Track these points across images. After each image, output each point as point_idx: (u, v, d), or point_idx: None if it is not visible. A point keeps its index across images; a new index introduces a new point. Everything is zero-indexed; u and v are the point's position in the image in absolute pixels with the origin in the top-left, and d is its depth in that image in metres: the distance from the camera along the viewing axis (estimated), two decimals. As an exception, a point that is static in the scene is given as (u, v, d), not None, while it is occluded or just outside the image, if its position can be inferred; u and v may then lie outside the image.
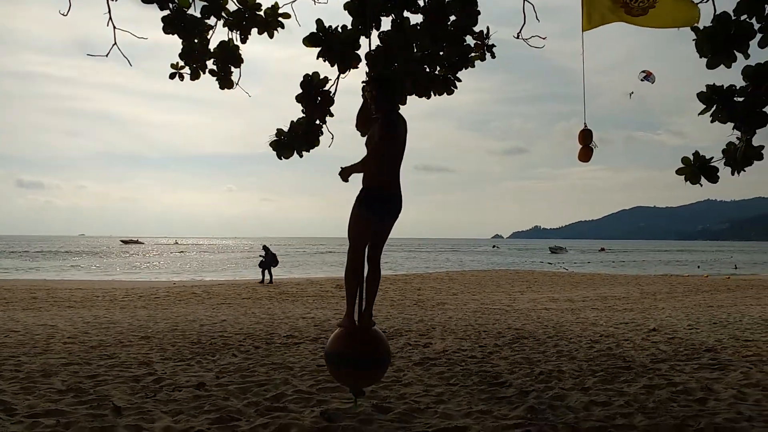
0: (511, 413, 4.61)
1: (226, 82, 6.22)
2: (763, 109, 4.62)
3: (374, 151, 4.18)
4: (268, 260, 23.83)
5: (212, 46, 6.10)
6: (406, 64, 6.21)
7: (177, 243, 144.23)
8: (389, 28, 6.09)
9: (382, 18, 6.01)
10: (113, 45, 5.66)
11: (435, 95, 6.64)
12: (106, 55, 5.68)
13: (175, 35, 6.01)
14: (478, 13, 6.33)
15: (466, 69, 6.65)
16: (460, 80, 6.63)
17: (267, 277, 23.65)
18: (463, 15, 6.18)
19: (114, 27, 5.60)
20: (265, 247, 24.71)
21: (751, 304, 15.82)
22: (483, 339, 8.56)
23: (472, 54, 6.62)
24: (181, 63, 6.10)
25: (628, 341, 8.36)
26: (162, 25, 5.92)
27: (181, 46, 5.97)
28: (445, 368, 6.37)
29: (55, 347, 7.44)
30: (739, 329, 9.64)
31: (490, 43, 6.69)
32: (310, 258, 69.46)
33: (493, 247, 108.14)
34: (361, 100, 4.75)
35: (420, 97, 6.59)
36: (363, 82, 4.92)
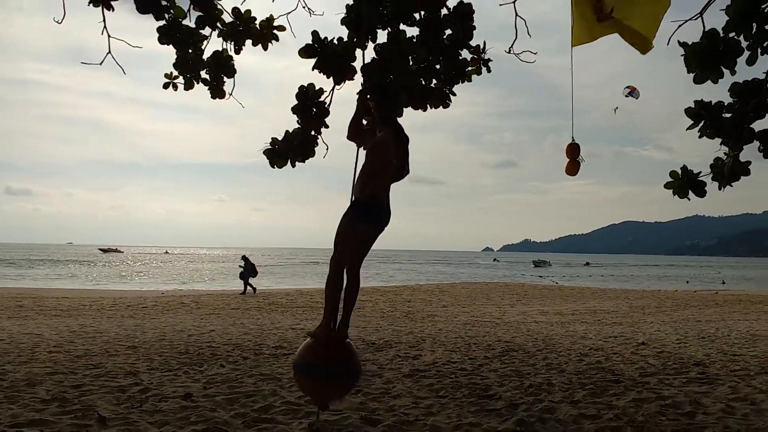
0: (501, 426, 4.59)
1: (218, 92, 6.22)
2: (751, 126, 4.68)
3: (382, 163, 4.08)
4: (248, 271, 23.66)
5: (206, 55, 6.10)
6: (402, 76, 6.23)
7: (167, 252, 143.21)
8: (385, 40, 6.13)
9: (378, 30, 6.04)
10: (107, 54, 5.65)
11: (431, 108, 6.67)
12: (100, 64, 5.66)
13: (170, 45, 6.01)
14: (474, 27, 6.38)
15: (462, 83, 6.69)
16: (455, 94, 6.66)
17: (249, 288, 23.49)
18: (459, 29, 6.23)
19: (108, 36, 5.60)
20: (244, 258, 24.49)
21: (739, 319, 15.92)
22: (473, 351, 8.54)
23: (469, 68, 6.66)
24: (175, 72, 6.10)
25: (617, 355, 8.38)
26: (157, 35, 5.92)
27: (176, 56, 5.97)
28: (434, 380, 6.35)
29: (40, 356, 7.35)
30: (727, 344, 9.69)
31: (486, 57, 6.74)
32: (300, 268, 69.22)
33: (494, 260, 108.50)
34: (354, 110, 4.74)
35: (416, 109, 6.61)
36: (358, 93, 4.91)
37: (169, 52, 6.15)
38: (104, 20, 5.44)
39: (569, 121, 6.66)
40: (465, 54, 6.59)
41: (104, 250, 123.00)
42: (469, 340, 9.83)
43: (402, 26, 6.14)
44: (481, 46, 6.64)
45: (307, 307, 18.15)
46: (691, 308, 20.65)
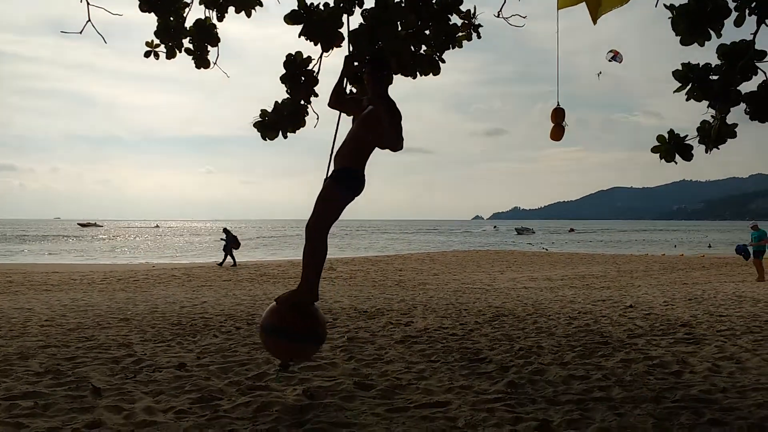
0: (492, 388, 4.68)
1: (202, 62, 6.10)
2: (738, 88, 4.67)
3: (377, 135, 4.12)
4: (229, 243, 23.53)
5: (188, 24, 5.97)
6: (391, 42, 6.14)
7: (158, 226, 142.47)
8: (373, 5, 6.01)
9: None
10: (87, 22, 5.51)
11: (421, 75, 6.59)
12: (80, 32, 5.52)
13: (151, 13, 5.87)
14: (464, -10, 6.27)
15: (452, 49, 6.60)
16: (444, 61, 6.59)
17: (229, 259, 23.32)
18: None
19: (88, 3, 5.45)
20: (225, 230, 24.33)
21: (725, 281, 16.21)
22: (464, 317, 8.65)
23: (459, 34, 6.58)
24: (156, 41, 5.96)
25: (605, 317, 8.51)
26: (138, 2, 5.77)
27: (157, 24, 5.83)
28: (426, 346, 6.43)
29: (31, 330, 7.35)
30: (714, 305, 9.87)
31: (476, 22, 6.65)
32: (291, 240, 69.25)
33: (494, 227, 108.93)
34: (338, 77, 4.68)
35: (406, 76, 6.53)
36: (346, 57, 4.80)
37: (152, 23, 6.01)
38: (82, -14, 5.29)
39: (558, 88, 6.64)
40: (455, 19, 6.50)
41: (83, 225, 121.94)
42: (460, 307, 9.94)
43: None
44: (472, 11, 6.54)
45: (299, 278, 18.23)
46: (678, 271, 20.98)
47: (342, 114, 4.73)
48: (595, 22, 5.87)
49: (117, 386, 4.64)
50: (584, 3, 5.89)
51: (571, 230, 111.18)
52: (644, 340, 6.67)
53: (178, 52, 6.01)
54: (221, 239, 24.41)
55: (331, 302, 10.62)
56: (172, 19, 5.85)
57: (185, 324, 7.92)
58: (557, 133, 6.31)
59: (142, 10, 5.68)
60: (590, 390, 4.61)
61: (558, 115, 6.22)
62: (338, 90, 4.50)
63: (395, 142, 4.09)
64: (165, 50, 6.00)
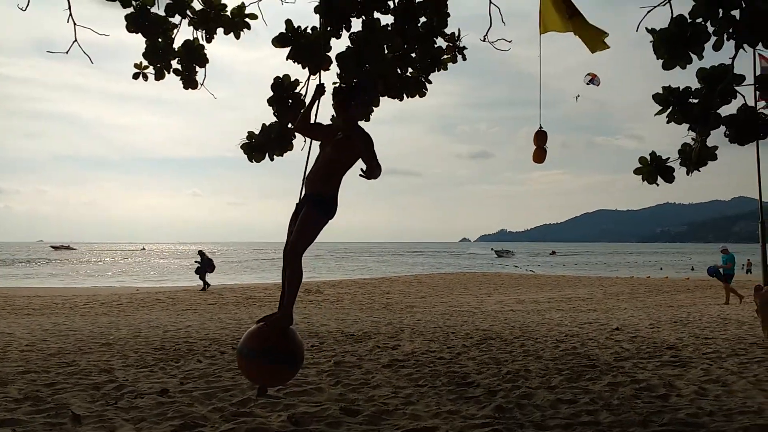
0: (480, 413, 4.63)
1: (190, 82, 6.12)
2: (717, 111, 4.76)
3: (351, 162, 4.24)
4: (204, 266, 23.05)
5: (177, 45, 5.99)
6: (378, 65, 6.20)
7: (144, 249, 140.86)
8: (360, 29, 6.08)
9: (352, 19, 5.99)
10: (74, 42, 5.50)
11: (407, 97, 6.65)
12: (66, 52, 5.51)
13: (139, 34, 5.89)
14: (448, 15, 6.38)
15: (438, 71, 6.69)
16: (431, 82, 6.66)
17: (206, 282, 22.68)
18: (434, 16, 6.22)
19: (74, 24, 5.45)
20: (200, 252, 23.71)
21: (710, 303, 16.32)
22: (451, 340, 8.59)
23: (444, 56, 6.66)
24: (145, 63, 5.97)
25: (592, 340, 8.50)
26: (125, 23, 5.79)
27: (145, 46, 5.84)
28: (413, 369, 6.37)
29: (11, 355, 7.18)
30: (699, 327, 9.90)
31: (461, 45, 6.75)
32: (278, 263, 68.86)
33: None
34: (308, 103, 4.71)
35: (393, 98, 6.59)
36: (318, 84, 4.82)
37: (140, 44, 6.03)
38: (69, 7, 5.29)
39: (543, 112, 6.74)
40: (440, 42, 6.59)
41: (55, 247, 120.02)
42: (448, 330, 9.89)
43: (376, 14, 6.11)
44: (456, 34, 6.64)
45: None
46: (664, 294, 21.09)
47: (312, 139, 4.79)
48: (593, 51, 6.00)
49: (97, 413, 4.53)
50: (568, 29, 6.05)
51: (553, 253, 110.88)
52: (631, 363, 6.66)
53: (166, 73, 6.02)
54: (195, 262, 23.73)
55: (317, 326, 10.52)
56: (160, 40, 5.87)
57: (168, 349, 7.79)
58: (539, 155, 6.38)
59: (130, 31, 5.70)
60: (578, 414, 4.58)
61: (540, 138, 6.30)
62: (306, 115, 4.55)
63: (373, 172, 4.12)
64: (154, 72, 6.01)
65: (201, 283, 22.67)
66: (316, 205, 4.21)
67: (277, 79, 5.74)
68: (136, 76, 6.05)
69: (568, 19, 6.15)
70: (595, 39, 6.12)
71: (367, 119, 6.55)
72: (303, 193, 4.33)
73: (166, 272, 48.55)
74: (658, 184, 5.21)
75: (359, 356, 7.23)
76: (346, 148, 4.22)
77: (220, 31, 5.93)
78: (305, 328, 10.17)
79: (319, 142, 4.50)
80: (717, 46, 4.53)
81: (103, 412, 4.58)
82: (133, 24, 5.67)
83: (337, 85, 4.75)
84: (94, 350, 7.64)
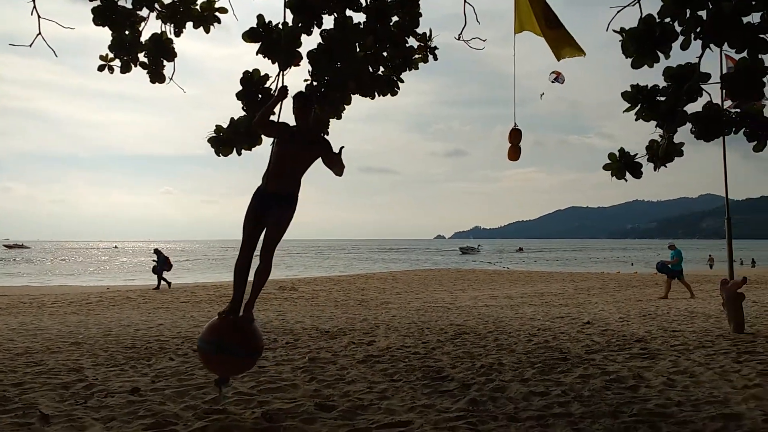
0: (454, 406, 4.66)
1: (157, 76, 6.02)
2: (684, 108, 4.87)
3: (307, 161, 4.53)
4: (161, 264, 22.40)
5: (145, 38, 5.89)
6: (350, 63, 6.20)
7: (116, 247, 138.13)
8: (331, 26, 6.06)
9: (323, 16, 5.96)
10: (37, 35, 5.37)
11: (379, 96, 6.66)
12: (30, 45, 5.38)
13: (106, 27, 5.77)
14: (420, 14, 6.40)
15: (409, 70, 6.71)
16: (402, 81, 6.67)
17: (163, 283, 22.12)
18: (405, 16, 6.23)
19: (39, 16, 5.32)
20: (157, 251, 23.20)
21: (678, 297, 16.68)
22: (426, 336, 8.64)
23: (416, 56, 6.69)
24: (111, 55, 5.86)
25: (564, 334, 8.63)
26: (92, 16, 5.67)
27: (111, 38, 5.73)
28: (388, 365, 6.39)
29: (-25, 356, 6.99)
30: (667, 321, 10.13)
31: (432, 45, 6.78)
32: (254, 261, 68.28)
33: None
34: (271, 101, 4.77)
35: (364, 96, 6.58)
36: (282, 86, 4.88)
37: (107, 39, 5.92)
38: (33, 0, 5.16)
39: (516, 109, 6.81)
40: (412, 41, 6.61)
41: (9, 246, 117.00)
42: (422, 325, 9.93)
43: (348, 12, 6.10)
44: (428, 34, 6.67)
45: (260, 299, 17.87)
46: (633, 288, 21.49)
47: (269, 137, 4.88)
48: (558, 59, 6.13)
49: (66, 413, 4.45)
50: (535, 31, 6.15)
51: (520, 249, 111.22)
52: (601, 356, 6.78)
53: (133, 66, 5.91)
54: (153, 261, 23.12)
55: (292, 323, 10.47)
56: (127, 33, 5.76)
57: (140, 347, 7.67)
58: (514, 153, 6.45)
59: (96, 24, 5.58)
60: (550, 406, 4.65)
61: (515, 136, 6.37)
62: (267, 113, 4.59)
63: (340, 172, 4.52)
64: (120, 65, 5.90)
65: (161, 281, 22.01)
66: (292, 204, 4.46)
67: (246, 73, 5.69)
68: (101, 68, 5.93)
69: (544, 27, 6.25)
70: (566, 51, 6.25)
71: (338, 117, 6.55)
72: (267, 189, 4.44)
73: (137, 271, 47.79)
74: (626, 180, 5.32)
75: (334, 352, 7.22)
76: (311, 151, 4.50)
77: (189, 25, 5.84)
78: (280, 325, 10.12)
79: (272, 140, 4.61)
80: (684, 46, 4.64)
81: (72, 411, 4.49)
82: (99, 17, 5.56)
83: (300, 90, 4.81)
84: (62, 349, 7.49)
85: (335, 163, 4.47)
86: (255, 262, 4.66)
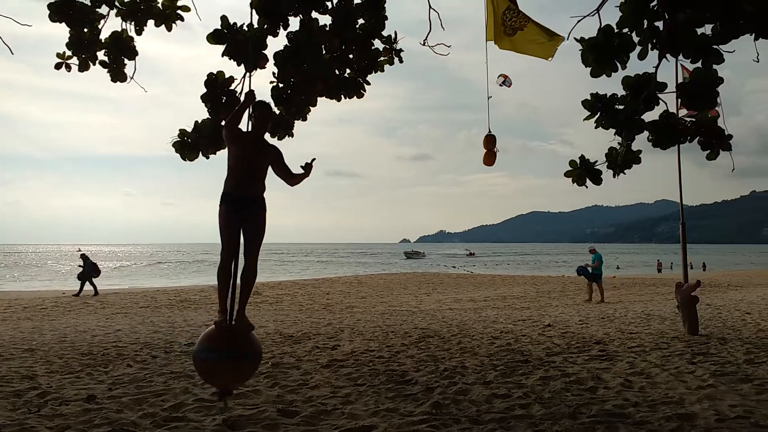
0: (417, 410, 4.68)
1: (118, 75, 5.87)
2: (641, 117, 5.01)
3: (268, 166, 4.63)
4: (88, 270, 21.31)
5: (105, 36, 5.75)
6: (316, 65, 6.17)
7: (80, 250, 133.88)
8: (297, 28, 6.02)
9: (290, 18, 5.93)
10: (-9, 31, 5.18)
11: (345, 98, 6.65)
12: (-18, 41, 5.18)
13: (63, 25, 5.61)
14: (386, 17, 6.42)
15: (375, 73, 6.72)
16: (369, 83, 6.68)
17: (90, 287, 21.26)
18: (371, 19, 6.24)
19: (-8, 12, 5.12)
20: (83, 256, 22.27)
21: (635, 300, 17.13)
22: (390, 339, 8.64)
23: (381, 58, 6.70)
24: (69, 52, 5.69)
25: (525, 336, 8.76)
26: (48, 12, 5.50)
27: (69, 36, 5.57)
28: (352, 369, 6.37)
29: None
30: (624, 323, 10.38)
31: (398, 48, 6.81)
32: (214, 263, 67.17)
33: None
34: (242, 103, 4.74)
35: (331, 98, 6.56)
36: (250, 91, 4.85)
37: (66, 36, 5.74)
38: (-13, -5, 4.98)
39: (480, 116, 6.95)
40: (378, 44, 6.63)
41: None
42: (387, 329, 9.94)
43: (314, 14, 6.07)
44: (393, 37, 6.70)
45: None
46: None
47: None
48: (547, 58, 6.18)
49: (18, 421, 4.29)
50: (501, 45, 6.24)
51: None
52: (562, 358, 6.90)
53: (92, 64, 5.76)
54: (79, 266, 22.08)
55: (255, 327, 10.33)
56: (86, 30, 5.61)
57: (96, 354, 7.46)
58: (490, 158, 6.51)
59: (53, 20, 5.41)
60: (512, 408, 4.71)
61: (490, 141, 6.43)
62: (238, 117, 4.58)
63: (293, 183, 4.70)
64: (78, 63, 5.73)
65: (83, 287, 21.03)
66: (262, 205, 4.51)
67: (210, 75, 5.60)
68: (58, 66, 5.75)
69: (511, 36, 6.31)
70: (546, 46, 6.27)
71: (304, 119, 6.53)
72: (237, 192, 4.41)
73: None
74: (587, 186, 5.44)
75: (298, 357, 7.16)
76: (267, 155, 4.61)
77: (151, 23, 5.72)
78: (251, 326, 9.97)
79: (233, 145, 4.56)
80: (641, 56, 4.78)
81: (25, 420, 4.33)
82: (56, 13, 5.39)
83: (262, 99, 4.80)
84: (15, 356, 7.23)
85: (288, 175, 4.64)
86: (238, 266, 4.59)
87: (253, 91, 4.70)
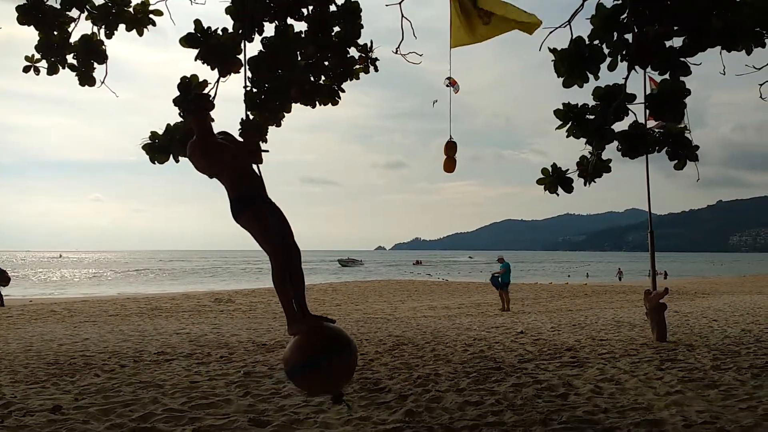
0: (390, 418, 4.67)
1: (87, 79, 5.76)
2: (611, 127, 5.12)
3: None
4: None
5: (74, 39, 5.64)
6: (291, 71, 6.15)
7: (61, 256, 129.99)
8: (272, 34, 6.00)
9: (265, 23, 5.90)
10: (-47, 31, 5.05)
11: (320, 105, 6.63)
12: (-54, 43, 5.04)
13: (32, 27, 5.49)
14: (362, 25, 6.44)
15: (350, 80, 6.72)
16: (344, 90, 6.68)
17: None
18: (347, 26, 6.25)
19: (-44, 12, 5.00)
20: None
21: (605, 307, 17.38)
22: (365, 347, 8.61)
23: (357, 66, 6.71)
24: (37, 56, 5.57)
25: (498, 344, 8.81)
26: (16, 15, 5.38)
27: (38, 39, 5.45)
28: (325, 378, 6.31)
29: None
30: (595, 330, 10.52)
31: (373, 56, 6.83)
32: (187, 271, 66.28)
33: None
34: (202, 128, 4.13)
35: (305, 105, 6.54)
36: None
37: (35, 38, 5.62)
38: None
39: (454, 124, 6.95)
40: (353, 52, 6.63)
41: None
42: (361, 337, 9.91)
43: (290, 20, 6.06)
44: (369, 45, 6.71)
45: (194, 311, 17.40)
46: (564, 299, 22.22)
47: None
48: (530, 33, 5.93)
49: (-23, 435, 4.16)
50: (476, 40, 6.24)
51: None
52: (533, 365, 6.96)
53: (61, 68, 5.64)
54: None
55: (227, 336, 10.21)
56: (56, 33, 5.50)
57: (63, 363, 7.28)
58: (449, 165, 6.56)
59: (21, 24, 5.30)
60: (484, 415, 4.73)
61: (450, 148, 6.47)
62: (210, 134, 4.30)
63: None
64: (47, 66, 5.62)
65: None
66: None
67: (183, 78, 5.54)
68: (26, 69, 5.63)
69: (486, 24, 6.21)
70: (525, 25, 6.11)
71: (278, 125, 6.49)
72: (257, 192, 4.11)
73: (62, 282, 45.44)
74: (558, 194, 5.51)
75: (271, 366, 7.09)
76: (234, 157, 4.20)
77: (122, 27, 5.64)
78: (214, 338, 9.85)
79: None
80: (612, 67, 4.87)
81: (-15, 433, 4.20)
82: (25, 16, 5.28)
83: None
84: (-24, 367, 7.01)
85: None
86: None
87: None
